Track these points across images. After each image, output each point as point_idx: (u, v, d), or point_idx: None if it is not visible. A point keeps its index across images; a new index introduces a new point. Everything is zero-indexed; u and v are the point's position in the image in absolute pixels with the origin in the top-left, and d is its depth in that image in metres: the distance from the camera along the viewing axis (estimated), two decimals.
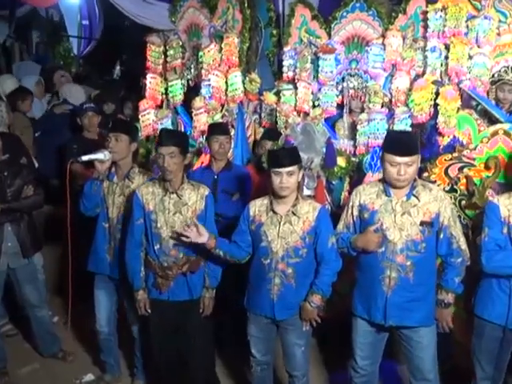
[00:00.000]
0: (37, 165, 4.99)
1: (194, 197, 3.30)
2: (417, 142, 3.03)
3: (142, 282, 3.38)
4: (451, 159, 3.61)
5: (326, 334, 3.91)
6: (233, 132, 4.52)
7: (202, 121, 4.52)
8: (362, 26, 4.19)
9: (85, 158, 3.45)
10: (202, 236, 3.13)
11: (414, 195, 2.99)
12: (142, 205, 3.33)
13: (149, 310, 3.39)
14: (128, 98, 6.34)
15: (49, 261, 4.58)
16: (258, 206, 3.20)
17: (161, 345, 3.43)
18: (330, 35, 4.29)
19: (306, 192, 3.71)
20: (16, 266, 3.98)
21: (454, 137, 3.78)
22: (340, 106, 4.35)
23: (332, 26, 4.27)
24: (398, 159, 2.90)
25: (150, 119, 4.74)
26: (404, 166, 2.90)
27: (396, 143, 2.95)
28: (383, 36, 4.08)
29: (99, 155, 3.45)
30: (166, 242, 3.30)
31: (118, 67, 10.14)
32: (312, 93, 4.28)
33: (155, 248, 3.32)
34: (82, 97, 6.08)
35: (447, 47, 3.87)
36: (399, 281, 2.99)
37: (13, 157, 4.16)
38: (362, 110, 4.22)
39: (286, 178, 3.01)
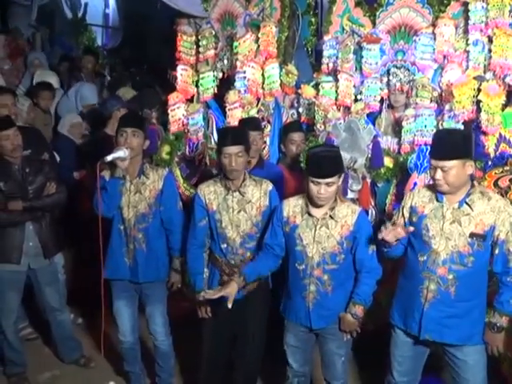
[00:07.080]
0: (58, 159, 4.97)
1: (258, 193, 3.35)
2: (460, 144, 2.83)
3: (204, 284, 3.41)
4: (502, 172, 3.52)
5: (366, 347, 3.78)
6: (268, 128, 4.47)
7: (236, 116, 4.43)
8: (411, 13, 4.07)
9: (109, 158, 3.41)
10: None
11: (467, 203, 2.86)
12: (204, 205, 3.38)
13: (209, 314, 3.40)
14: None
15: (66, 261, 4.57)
16: (292, 207, 3.16)
17: (213, 350, 3.46)
18: (374, 23, 4.19)
19: (350, 195, 3.68)
20: (37, 266, 4.00)
21: (501, 135, 3.69)
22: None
23: (377, 13, 4.16)
24: (434, 162, 2.82)
25: (180, 114, 4.66)
26: (439, 171, 2.80)
27: (435, 144, 2.87)
28: (433, 25, 3.97)
29: (119, 153, 3.42)
30: (232, 242, 3.35)
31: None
32: (354, 86, 4.18)
33: (222, 247, 3.37)
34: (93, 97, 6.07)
35: (491, 40, 3.76)
36: (438, 294, 2.91)
37: (35, 152, 4.18)
38: (406, 106, 4.11)
39: (324, 189, 2.95)
